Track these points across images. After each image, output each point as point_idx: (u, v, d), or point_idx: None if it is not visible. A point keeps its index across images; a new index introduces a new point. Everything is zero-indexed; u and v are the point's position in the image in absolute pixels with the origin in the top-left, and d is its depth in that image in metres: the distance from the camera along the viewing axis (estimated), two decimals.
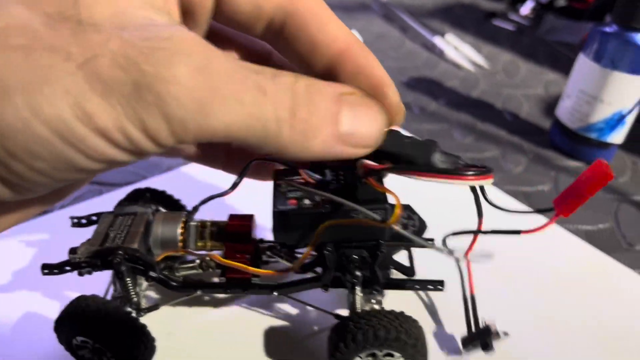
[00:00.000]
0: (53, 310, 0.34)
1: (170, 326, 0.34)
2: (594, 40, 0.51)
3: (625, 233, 0.46)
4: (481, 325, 0.33)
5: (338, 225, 0.28)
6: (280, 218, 0.28)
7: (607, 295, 0.39)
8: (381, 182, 0.27)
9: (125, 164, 0.19)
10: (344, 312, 0.32)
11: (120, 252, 0.29)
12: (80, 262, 0.30)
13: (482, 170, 0.22)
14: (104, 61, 0.16)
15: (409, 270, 0.33)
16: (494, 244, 0.26)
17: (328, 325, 0.34)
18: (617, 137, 0.53)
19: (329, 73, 0.23)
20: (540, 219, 0.28)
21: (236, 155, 0.30)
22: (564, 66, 0.75)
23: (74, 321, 0.28)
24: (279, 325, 0.35)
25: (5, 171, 0.16)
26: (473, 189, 0.25)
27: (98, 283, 0.33)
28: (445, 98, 0.65)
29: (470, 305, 0.34)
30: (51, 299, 0.36)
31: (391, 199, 0.26)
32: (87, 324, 0.28)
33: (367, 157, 0.23)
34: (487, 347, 0.31)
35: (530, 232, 0.26)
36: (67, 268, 0.31)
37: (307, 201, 0.28)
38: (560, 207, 0.24)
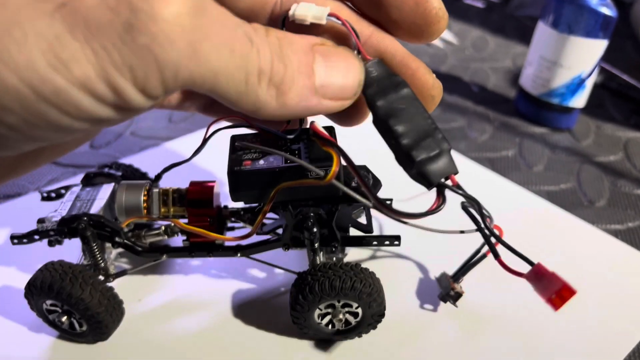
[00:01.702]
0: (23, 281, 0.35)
1: (140, 293, 0.35)
2: (551, 7, 0.52)
3: (586, 192, 0.47)
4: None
5: (290, 186, 0.29)
6: (235, 178, 0.29)
7: (569, 249, 0.40)
8: (328, 140, 0.28)
9: (108, 124, 0.17)
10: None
11: (85, 218, 0.31)
12: (47, 230, 0.31)
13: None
14: (89, 1, 0.14)
15: (367, 228, 0.34)
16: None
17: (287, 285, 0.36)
18: (579, 101, 0.55)
19: None
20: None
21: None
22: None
23: (42, 285, 0.29)
24: (246, 286, 0.36)
25: None
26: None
27: (73, 257, 0.34)
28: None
29: None
30: (26, 274, 0.37)
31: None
32: (54, 287, 0.29)
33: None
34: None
35: (505, 268, 0.25)
36: (36, 237, 0.32)
37: (261, 162, 0.29)
38: (533, 275, 0.24)
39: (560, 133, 0.56)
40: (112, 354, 0.32)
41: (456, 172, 0.23)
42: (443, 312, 0.35)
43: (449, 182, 0.23)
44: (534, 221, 0.43)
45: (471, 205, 0.25)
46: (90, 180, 0.35)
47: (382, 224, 0.41)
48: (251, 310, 0.35)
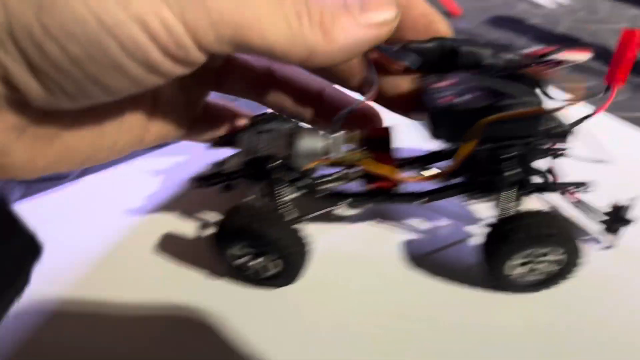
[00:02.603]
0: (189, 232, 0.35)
1: (313, 238, 0.34)
2: None
3: None
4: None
5: (497, 121, 0.27)
6: (438, 116, 0.28)
7: None
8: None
9: (161, 73, 0.18)
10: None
11: (275, 159, 0.30)
12: (233, 172, 0.31)
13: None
14: None
15: (552, 175, 0.32)
16: None
17: (463, 237, 0.35)
18: None
19: None
20: None
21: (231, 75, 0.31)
22: None
23: (238, 227, 0.29)
24: (416, 239, 0.35)
25: (37, 54, 0.15)
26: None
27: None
28: (530, 35, 0.64)
29: None
30: (189, 222, 0.36)
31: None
32: (250, 228, 0.28)
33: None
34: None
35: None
36: (219, 179, 0.31)
37: (465, 97, 0.28)
38: (614, 80, 0.26)
39: None
40: (294, 297, 0.31)
41: None
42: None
43: None
44: None
45: None
46: (263, 126, 0.34)
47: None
48: (427, 262, 0.34)
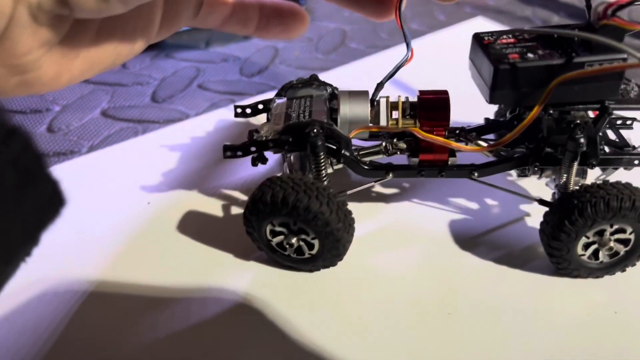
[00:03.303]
0: (214, 210, 0.32)
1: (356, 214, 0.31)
2: None
3: None
4: None
5: (570, 81, 0.24)
6: (505, 73, 0.25)
7: None
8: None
9: None
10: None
11: (317, 125, 0.27)
12: (266, 140, 0.28)
13: None
14: None
15: (624, 146, 0.29)
16: None
17: (516, 216, 0.32)
18: None
19: None
20: None
21: (267, 14, 0.25)
22: None
23: (274, 200, 0.26)
24: (465, 217, 0.32)
25: None
26: None
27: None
28: (565, 11, 0.61)
29: None
30: (210, 200, 0.33)
31: None
32: (289, 201, 0.25)
33: None
34: None
35: None
36: (253, 148, 0.28)
37: (531, 55, 0.25)
38: None
39: None
40: (337, 279, 0.28)
41: None
42: None
43: None
44: None
45: None
46: (296, 92, 0.31)
47: None
48: (479, 242, 0.30)
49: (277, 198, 0.26)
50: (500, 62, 0.25)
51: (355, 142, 0.29)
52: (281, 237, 0.27)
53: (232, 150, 0.28)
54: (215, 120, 0.38)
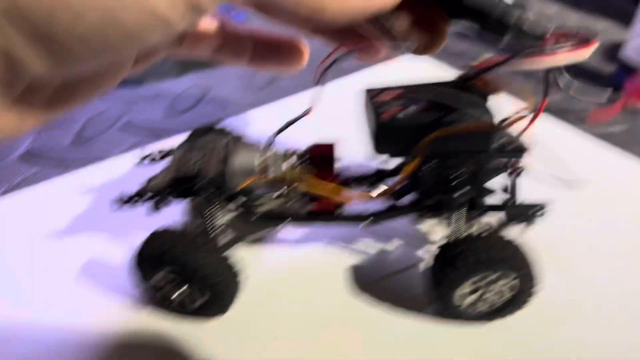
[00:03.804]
0: (117, 255, 0.32)
1: (249, 265, 0.32)
2: None
3: None
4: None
5: (444, 136, 0.25)
6: (384, 128, 0.26)
7: None
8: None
9: (170, 26, 0.16)
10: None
11: (203, 177, 0.27)
12: (159, 190, 0.28)
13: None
14: None
15: (509, 194, 0.30)
16: None
17: (413, 261, 0.32)
18: None
19: None
20: None
21: (263, 46, 0.25)
22: (616, 14, 0.72)
23: (155, 255, 0.26)
24: (363, 262, 0.32)
25: (46, 23, 0.14)
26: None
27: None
28: (497, 48, 0.62)
29: None
30: (115, 245, 0.33)
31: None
32: (170, 255, 0.26)
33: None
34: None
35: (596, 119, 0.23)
36: (146, 197, 0.28)
37: (410, 112, 0.26)
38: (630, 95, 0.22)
39: None
40: (224, 331, 0.28)
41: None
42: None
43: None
44: None
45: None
46: (197, 141, 0.31)
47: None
48: (373, 288, 0.31)
49: (157, 253, 0.26)
50: (382, 117, 0.26)
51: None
52: (168, 288, 0.27)
53: (127, 199, 0.29)
54: (133, 162, 0.38)
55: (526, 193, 0.30)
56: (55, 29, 0.14)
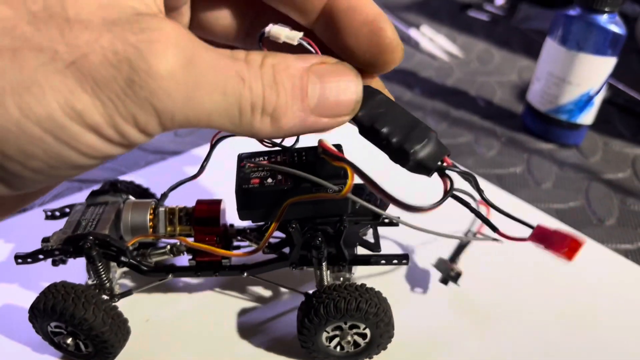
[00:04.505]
0: (27, 303, 0.35)
1: (146, 312, 0.35)
2: (559, 24, 0.52)
3: (595, 210, 0.47)
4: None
5: (301, 202, 0.28)
6: (243, 196, 0.29)
7: (579, 269, 0.39)
8: (339, 157, 0.28)
9: (115, 157, 0.19)
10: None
11: (90, 237, 0.30)
12: (52, 249, 0.31)
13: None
14: (94, 58, 0.16)
15: (375, 246, 0.34)
16: None
17: (298, 304, 0.35)
18: (587, 117, 0.54)
19: (323, 19, 0.23)
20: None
21: None
22: (538, 52, 0.76)
23: (46, 307, 0.29)
24: (252, 306, 0.36)
25: (2, 172, 0.17)
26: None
27: (78, 275, 0.33)
28: (420, 87, 0.66)
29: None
30: (27, 293, 0.36)
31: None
32: (57, 308, 0.29)
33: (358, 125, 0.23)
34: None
35: (506, 238, 0.26)
36: (40, 256, 0.31)
37: (269, 180, 0.29)
38: (536, 237, 0.24)
39: (568, 149, 0.55)
40: None
41: (449, 153, 0.23)
42: (457, 324, 0.34)
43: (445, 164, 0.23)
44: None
45: (467, 179, 0.25)
46: (95, 199, 0.35)
47: (388, 242, 0.41)
48: (259, 331, 0.34)
49: (49, 305, 0.29)
50: (242, 185, 0.29)
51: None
52: (60, 337, 0.31)
53: (22, 258, 0.32)
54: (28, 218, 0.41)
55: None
56: (8, 167, 0.16)
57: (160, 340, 0.34)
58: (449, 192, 0.23)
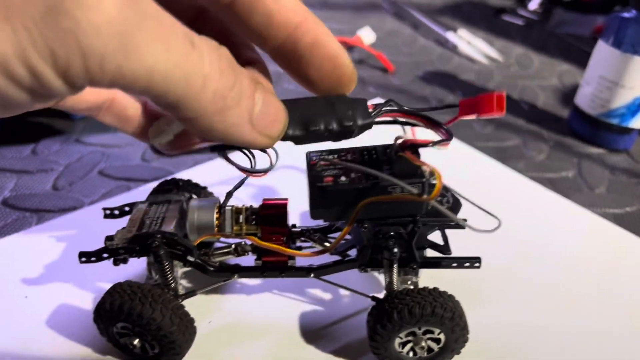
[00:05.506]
0: (87, 304, 0.34)
1: (207, 313, 0.34)
2: (613, 27, 0.51)
3: None
4: None
5: (376, 202, 0.28)
6: (319, 194, 0.28)
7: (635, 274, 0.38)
8: (418, 156, 0.27)
9: (23, 109, 0.16)
10: (379, 294, 0.31)
11: (158, 235, 0.30)
12: (117, 248, 0.30)
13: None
14: None
15: (445, 249, 0.33)
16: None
17: (364, 307, 0.35)
18: (638, 122, 0.53)
19: (285, 48, 0.23)
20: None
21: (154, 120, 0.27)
22: (576, 57, 0.75)
23: (112, 308, 0.28)
24: (314, 309, 0.35)
25: None
26: None
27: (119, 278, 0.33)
28: (462, 90, 0.65)
29: None
30: (84, 294, 0.36)
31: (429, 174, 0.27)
32: (124, 308, 0.28)
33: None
34: None
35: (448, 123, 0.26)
36: (105, 255, 0.31)
37: (343, 178, 0.28)
38: (462, 111, 0.25)
39: (618, 154, 0.54)
40: None
41: (365, 100, 0.25)
42: (531, 324, 0.33)
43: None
44: (603, 246, 0.41)
45: (389, 104, 0.25)
46: (157, 197, 0.34)
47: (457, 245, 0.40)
48: (323, 336, 0.33)
49: (115, 305, 0.28)
50: (316, 185, 0.28)
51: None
52: (126, 338, 0.30)
53: (86, 257, 0.31)
54: (93, 216, 0.40)
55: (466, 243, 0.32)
56: None
57: (224, 343, 0.33)
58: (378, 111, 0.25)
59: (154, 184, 0.36)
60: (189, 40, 0.16)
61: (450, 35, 0.76)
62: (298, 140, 0.24)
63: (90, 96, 0.26)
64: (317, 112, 0.23)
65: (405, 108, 0.26)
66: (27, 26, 0.13)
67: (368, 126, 0.24)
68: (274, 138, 0.22)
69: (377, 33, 0.74)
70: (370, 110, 0.24)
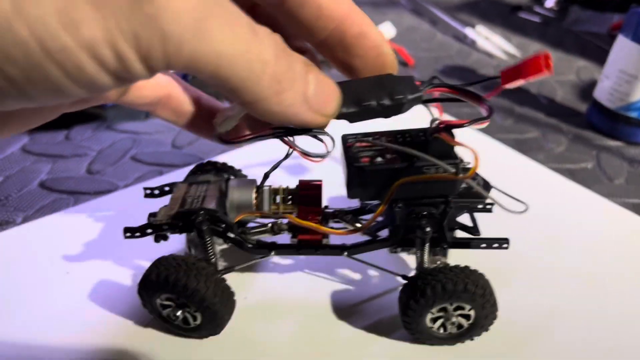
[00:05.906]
0: (127, 280, 0.35)
1: (244, 290, 0.36)
2: (632, 22, 0.52)
3: None
4: None
5: (411, 182, 0.29)
6: (357, 174, 0.29)
7: None
8: (453, 137, 0.28)
9: (104, 91, 0.17)
10: (409, 274, 0.33)
11: (202, 212, 0.31)
12: (161, 224, 0.32)
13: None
14: None
15: (474, 230, 0.34)
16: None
17: (392, 287, 0.36)
18: None
19: (331, 39, 0.24)
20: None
21: (204, 113, 0.29)
22: (593, 54, 0.76)
23: (158, 279, 0.30)
24: (345, 288, 0.36)
25: None
26: None
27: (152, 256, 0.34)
28: (481, 84, 0.66)
29: None
30: (124, 270, 0.37)
31: (465, 155, 0.28)
32: (170, 279, 0.29)
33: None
34: None
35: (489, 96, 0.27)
36: (149, 230, 0.32)
37: (379, 159, 0.29)
38: (505, 79, 0.26)
39: (637, 147, 0.55)
40: (219, 350, 0.32)
41: (412, 76, 0.26)
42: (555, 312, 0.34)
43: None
44: (623, 233, 0.42)
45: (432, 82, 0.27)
46: (197, 177, 0.35)
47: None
48: (355, 312, 0.35)
49: (161, 277, 0.30)
50: (353, 165, 0.29)
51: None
52: (169, 310, 0.31)
53: (131, 232, 0.32)
54: (140, 193, 0.42)
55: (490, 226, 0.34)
56: None
57: (260, 317, 0.34)
58: (426, 85, 0.26)
59: (186, 170, 0.38)
60: (251, 29, 0.18)
61: (468, 31, 0.77)
62: (352, 118, 0.25)
63: (149, 91, 0.28)
64: (368, 89, 0.25)
65: (450, 83, 0.27)
66: (115, 13, 0.15)
67: (417, 100, 0.25)
68: (329, 116, 0.23)
69: (395, 29, 0.75)
70: (417, 85, 0.26)
